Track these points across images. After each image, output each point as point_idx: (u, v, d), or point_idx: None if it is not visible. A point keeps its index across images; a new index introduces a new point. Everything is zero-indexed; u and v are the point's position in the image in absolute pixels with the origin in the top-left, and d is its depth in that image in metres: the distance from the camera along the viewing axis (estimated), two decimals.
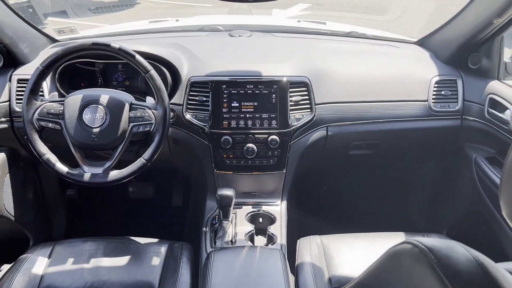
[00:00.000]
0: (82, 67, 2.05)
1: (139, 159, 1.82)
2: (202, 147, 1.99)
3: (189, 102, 1.94)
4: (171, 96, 1.95)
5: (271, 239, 2.03)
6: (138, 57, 1.70)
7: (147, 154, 1.81)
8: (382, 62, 2.13)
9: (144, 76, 1.73)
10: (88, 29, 2.71)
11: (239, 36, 2.26)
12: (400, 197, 2.77)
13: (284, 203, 2.21)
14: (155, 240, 1.82)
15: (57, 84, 1.99)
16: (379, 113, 2.08)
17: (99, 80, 2.10)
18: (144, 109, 1.84)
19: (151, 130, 1.83)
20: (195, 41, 2.19)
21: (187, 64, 1.96)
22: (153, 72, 1.72)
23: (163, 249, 1.76)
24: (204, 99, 1.94)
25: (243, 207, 2.07)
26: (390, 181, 2.75)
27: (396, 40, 2.42)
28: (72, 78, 2.07)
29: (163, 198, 2.82)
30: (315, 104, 1.98)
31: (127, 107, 1.80)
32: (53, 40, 2.22)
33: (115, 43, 1.69)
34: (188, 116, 1.95)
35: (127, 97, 1.74)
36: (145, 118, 1.83)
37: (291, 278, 1.57)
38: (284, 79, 1.93)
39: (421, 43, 2.36)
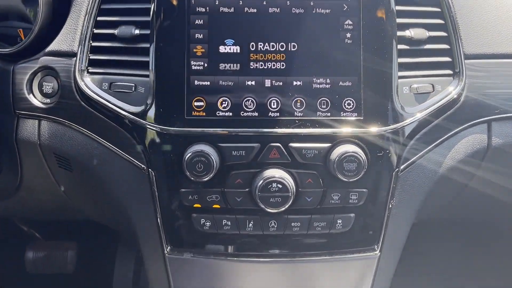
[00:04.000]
0: None
1: None
2: (130, 179, 0.76)
3: (93, 43, 0.77)
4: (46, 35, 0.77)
5: None
6: None
7: None
8: None
9: None
10: None
11: None
12: None
13: None
14: None
15: None
16: None
17: None
18: None
19: None
20: None
21: None
22: None
23: None
24: (136, 31, 0.72)
25: None
26: None
27: None
28: None
29: (94, 274, 1.59)
30: (466, 57, 0.73)
31: None
32: None
33: None
34: (89, 83, 0.75)
35: None
36: None
37: None
38: None
39: None
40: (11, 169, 0.85)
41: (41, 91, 0.77)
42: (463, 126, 0.78)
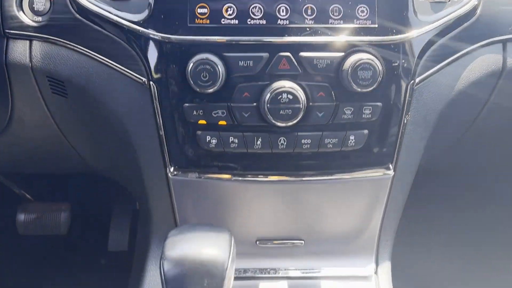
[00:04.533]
0: None
1: None
2: (131, 95, 0.70)
3: None
4: None
5: None
6: None
7: None
8: None
9: None
10: None
11: None
12: None
13: (386, 273, 0.74)
14: None
15: None
16: None
17: None
18: None
19: None
20: None
21: None
22: None
23: None
24: None
25: (262, 284, 0.74)
26: None
27: None
28: None
29: (89, 235, 1.54)
30: None
31: None
32: None
33: None
34: None
35: None
36: None
37: None
38: None
39: None
40: (1, 100, 0.80)
41: (31, 9, 0.72)
42: (478, 45, 0.74)
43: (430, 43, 0.69)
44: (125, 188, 1.55)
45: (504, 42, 0.78)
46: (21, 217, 1.50)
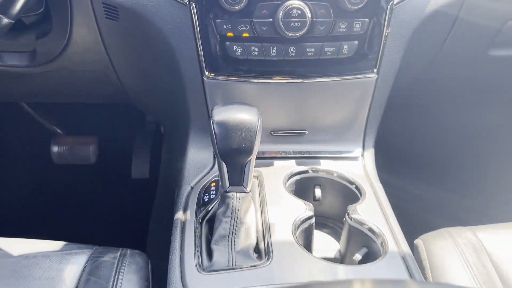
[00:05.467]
0: None
1: None
2: (173, 15, 0.89)
3: None
4: None
5: (358, 241, 0.78)
6: None
7: None
8: None
9: None
10: None
11: None
12: None
13: (370, 154, 0.96)
14: (62, 245, 0.86)
15: None
16: None
17: None
18: None
19: None
20: None
21: None
22: None
23: (72, 270, 0.80)
24: None
25: (277, 163, 0.97)
26: None
27: None
28: None
29: (115, 164, 1.74)
30: None
31: None
32: None
33: None
34: None
35: None
36: None
37: None
38: None
39: None
40: (62, 26, 0.98)
41: None
42: None
43: None
44: (148, 121, 1.74)
45: None
46: (55, 148, 1.70)
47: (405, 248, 0.73)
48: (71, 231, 1.13)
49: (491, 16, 1.04)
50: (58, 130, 1.71)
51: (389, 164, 1.09)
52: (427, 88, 1.28)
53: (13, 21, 0.78)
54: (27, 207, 1.66)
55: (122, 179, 1.71)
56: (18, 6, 0.76)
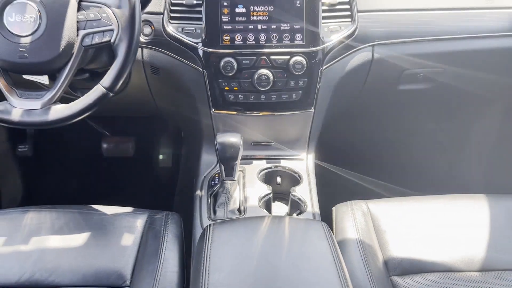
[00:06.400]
0: None
1: (95, 86, 1.16)
2: (193, 76, 1.43)
3: (172, 8, 1.38)
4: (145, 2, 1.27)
5: (296, 206, 1.40)
6: None
7: (107, 79, 1.15)
8: None
9: None
10: None
11: None
12: (455, 151, 2.12)
13: (311, 156, 1.57)
14: (129, 209, 1.34)
15: None
16: (447, 27, 1.53)
17: None
18: (101, 7, 1.16)
19: (111, 40, 1.16)
20: None
21: None
22: None
23: (140, 222, 1.28)
24: (195, 2, 1.38)
25: (254, 162, 1.57)
26: (446, 132, 2.08)
27: None
28: None
29: (147, 156, 2.32)
30: (358, 12, 1.42)
31: (73, 3, 1.13)
32: None
33: None
34: (171, 28, 1.37)
35: None
36: (102, 22, 1.16)
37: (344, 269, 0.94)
38: None
39: None
40: (127, 76, 1.58)
41: (142, 32, 1.49)
42: (357, 49, 1.47)
43: (330, 50, 1.42)
44: (171, 127, 2.35)
45: (372, 46, 1.51)
46: (104, 145, 2.27)
47: (316, 210, 1.35)
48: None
49: (393, 69, 1.62)
50: (106, 132, 2.33)
51: (328, 159, 1.71)
52: (361, 107, 1.89)
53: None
54: (84, 189, 2.29)
55: (152, 167, 2.35)
56: (120, 84, 1.17)
